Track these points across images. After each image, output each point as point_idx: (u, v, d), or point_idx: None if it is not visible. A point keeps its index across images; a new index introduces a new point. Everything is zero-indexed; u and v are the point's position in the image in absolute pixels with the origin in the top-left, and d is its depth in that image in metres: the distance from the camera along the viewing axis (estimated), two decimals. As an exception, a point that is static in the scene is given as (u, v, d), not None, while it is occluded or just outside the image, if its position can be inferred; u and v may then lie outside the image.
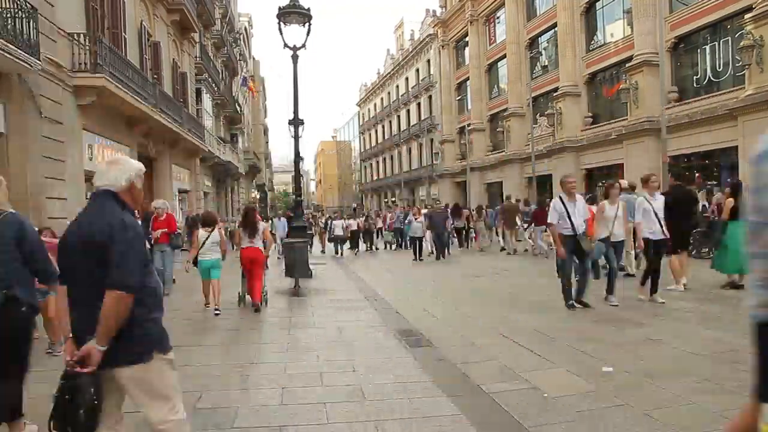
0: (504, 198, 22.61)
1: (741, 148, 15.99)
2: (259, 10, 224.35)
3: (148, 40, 16.43)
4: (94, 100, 11.49)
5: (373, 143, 61.17)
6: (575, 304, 7.18)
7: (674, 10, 19.73)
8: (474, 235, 19.25)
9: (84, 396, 2.12)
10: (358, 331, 6.28)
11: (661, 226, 7.33)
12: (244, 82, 38.80)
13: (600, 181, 23.72)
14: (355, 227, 19.92)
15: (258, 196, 48.76)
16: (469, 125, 35.40)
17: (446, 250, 16.03)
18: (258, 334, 6.37)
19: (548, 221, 7.55)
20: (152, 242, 8.72)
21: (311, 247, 17.29)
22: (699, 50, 19.10)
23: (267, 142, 61.72)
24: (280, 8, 9.66)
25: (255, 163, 43.37)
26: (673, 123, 17.73)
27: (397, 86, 51.84)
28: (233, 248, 12.18)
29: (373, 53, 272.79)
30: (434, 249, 15.58)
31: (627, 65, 21.15)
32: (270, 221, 18.67)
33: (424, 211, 17.62)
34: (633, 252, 9.76)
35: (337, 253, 18.35)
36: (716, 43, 18.37)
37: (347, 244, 19.39)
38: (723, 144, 17.19)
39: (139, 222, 2.83)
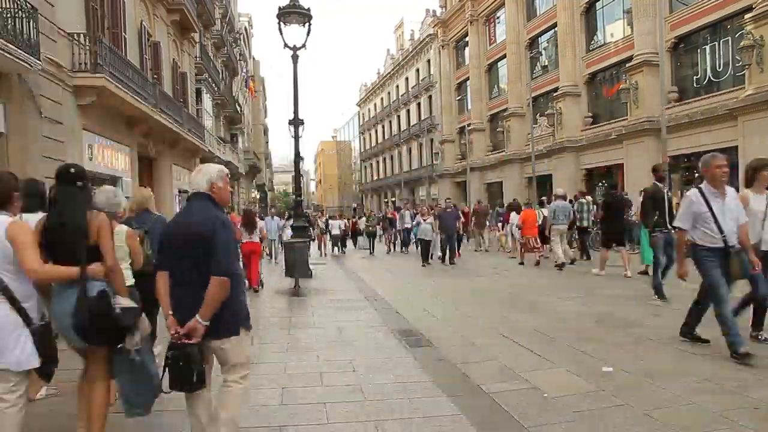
0: (478, 202, 22.82)
1: (741, 148, 15.98)
2: (259, 10, 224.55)
3: (148, 40, 16.43)
4: (94, 100, 11.48)
5: (373, 143, 61.17)
6: (690, 337, 5.14)
7: (674, 10, 19.73)
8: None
9: (195, 362, 2.66)
10: (358, 331, 6.28)
11: None
12: (247, 84, 38.81)
13: (600, 181, 23.77)
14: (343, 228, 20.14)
15: (258, 196, 48.76)
16: (469, 125, 35.40)
17: (456, 253, 14.78)
18: (258, 334, 6.38)
19: (675, 224, 5.16)
20: None
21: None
22: (699, 50, 19.09)
23: (267, 142, 61.73)
24: (280, 8, 9.65)
25: (255, 163, 43.37)
26: (673, 123, 17.73)
27: (397, 86, 51.85)
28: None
29: (373, 53, 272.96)
30: (442, 252, 14.29)
31: (627, 65, 21.15)
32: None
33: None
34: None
35: (335, 251, 19.73)
36: (716, 43, 18.36)
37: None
38: (723, 144, 17.15)
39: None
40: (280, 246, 16.39)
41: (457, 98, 38.94)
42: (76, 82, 11.14)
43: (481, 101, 35.04)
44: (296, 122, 10.10)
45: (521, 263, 13.24)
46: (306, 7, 9.68)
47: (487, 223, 19.30)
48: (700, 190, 4.70)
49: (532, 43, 29.64)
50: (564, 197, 12.52)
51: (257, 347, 5.54)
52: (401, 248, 19.83)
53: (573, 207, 12.90)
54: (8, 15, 8.33)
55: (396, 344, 5.57)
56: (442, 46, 40.11)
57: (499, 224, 18.70)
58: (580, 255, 13.14)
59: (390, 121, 54.31)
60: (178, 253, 2.75)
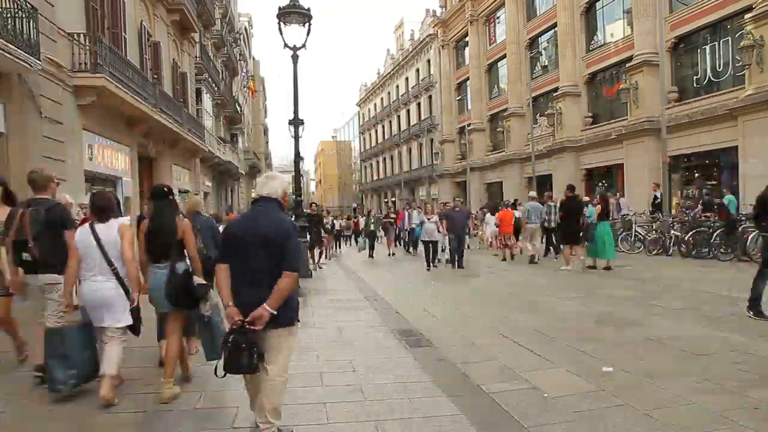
0: (461, 202, 22.62)
1: (741, 148, 15.99)
2: (259, 10, 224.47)
3: (148, 40, 16.43)
4: (94, 100, 11.48)
5: (373, 143, 61.17)
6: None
7: (674, 10, 19.73)
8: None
9: (257, 346, 2.98)
10: (358, 331, 6.28)
11: None
12: (247, 84, 38.80)
13: (600, 182, 23.76)
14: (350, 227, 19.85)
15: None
16: (469, 125, 35.40)
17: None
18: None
19: None
20: None
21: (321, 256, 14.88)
22: (699, 50, 19.09)
23: (267, 142, 61.70)
24: (280, 8, 9.65)
25: (255, 163, 43.36)
26: (673, 123, 17.73)
27: (397, 86, 51.84)
28: None
29: (373, 53, 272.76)
30: (451, 255, 13.04)
31: (627, 65, 21.14)
32: None
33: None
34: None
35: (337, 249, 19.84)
36: (716, 43, 18.36)
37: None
38: (723, 144, 17.19)
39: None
40: None
41: (457, 98, 38.94)
42: (76, 82, 11.15)
43: (481, 101, 35.04)
44: (296, 122, 10.11)
45: (503, 260, 13.78)
46: (306, 7, 9.68)
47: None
48: None
49: (532, 43, 29.64)
50: (537, 198, 14.00)
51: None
52: (407, 249, 18.44)
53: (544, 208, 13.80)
54: (8, 15, 8.33)
55: (396, 344, 5.56)
56: (442, 46, 40.11)
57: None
58: (552, 252, 14.33)
59: (390, 121, 54.30)
60: (245, 250, 3.07)
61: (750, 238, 11.18)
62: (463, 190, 35.33)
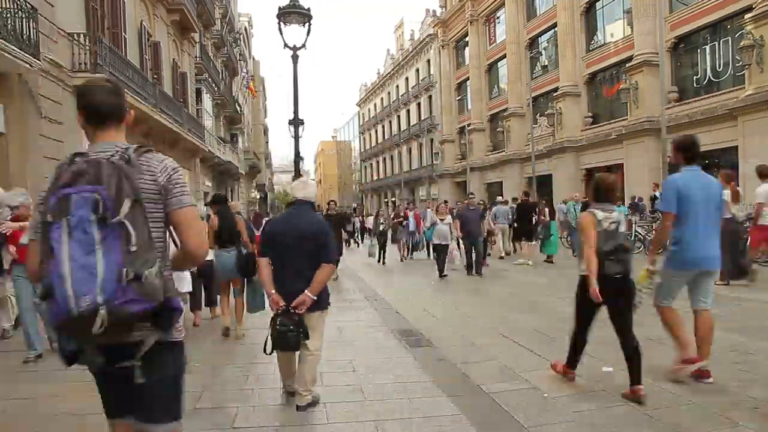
0: (444, 202, 22.49)
1: (741, 148, 15.99)
2: (259, 10, 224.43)
3: (148, 40, 16.43)
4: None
5: (373, 143, 61.16)
6: None
7: (674, 10, 19.73)
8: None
9: (303, 327, 3.51)
10: (358, 331, 6.28)
11: None
12: (247, 84, 38.77)
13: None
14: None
15: (258, 196, 48.75)
16: (469, 125, 35.40)
17: (483, 261, 11.87)
18: (257, 334, 6.37)
19: None
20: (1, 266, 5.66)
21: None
22: (699, 50, 19.10)
23: (267, 142, 61.69)
24: (280, 8, 9.63)
25: (255, 163, 43.36)
26: (673, 123, 17.73)
27: (397, 86, 51.83)
28: None
29: (373, 53, 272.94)
30: (467, 260, 11.45)
31: (627, 65, 21.15)
32: None
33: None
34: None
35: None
36: (716, 43, 18.37)
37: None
38: (723, 144, 17.18)
39: None
40: None
41: (457, 98, 38.94)
42: (76, 82, 11.14)
43: (481, 101, 35.04)
44: (296, 122, 10.09)
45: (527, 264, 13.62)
46: (306, 7, 9.66)
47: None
48: None
49: (532, 43, 29.64)
50: (505, 202, 15.57)
51: (257, 347, 5.54)
52: (410, 254, 16.18)
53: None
54: (8, 15, 8.33)
55: (396, 344, 5.56)
56: (442, 46, 40.10)
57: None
58: (514, 249, 15.29)
59: (390, 121, 54.29)
60: (287, 246, 3.60)
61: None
62: (463, 190, 35.31)
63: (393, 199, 52.30)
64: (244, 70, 41.40)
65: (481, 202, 15.56)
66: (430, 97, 43.55)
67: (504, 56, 31.95)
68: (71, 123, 11.08)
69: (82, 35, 11.42)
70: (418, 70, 46.44)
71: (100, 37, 11.66)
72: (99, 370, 1.88)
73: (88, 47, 11.41)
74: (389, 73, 53.76)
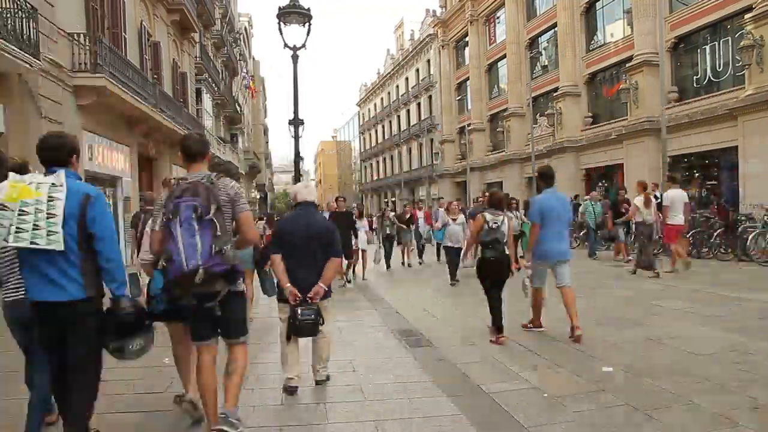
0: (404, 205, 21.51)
1: (741, 148, 15.98)
2: (259, 10, 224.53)
3: (148, 40, 16.43)
4: (94, 100, 11.49)
5: (373, 143, 61.15)
6: None
7: (674, 10, 19.72)
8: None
9: (320, 314, 3.91)
10: (358, 331, 6.28)
11: None
12: (247, 84, 38.76)
13: (600, 182, 23.76)
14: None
15: (258, 197, 48.75)
16: (469, 125, 35.39)
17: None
18: (258, 334, 6.37)
19: None
20: None
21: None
22: (699, 50, 19.08)
23: (267, 142, 61.69)
24: (280, 8, 9.63)
25: (255, 163, 43.36)
26: (673, 123, 17.72)
27: (397, 86, 51.82)
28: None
29: (373, 53, 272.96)
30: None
31: (627, 65, 21.13)
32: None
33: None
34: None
35: None
36: (716, 43, 18.35)
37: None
38: (723, 144, 17.18)
39: None
40: None
41: (457, 98, 38.93)
42: (76, 82, 11.15)
43: (481, 101, 35.03)
44: (296, 122, 10.08)
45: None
46: (306, 7, 9.66)
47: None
48: None
49: (532, 43, 29.63)
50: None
51: (257, 347, 5.55)
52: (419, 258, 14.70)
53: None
54: (8, 15, 8.33)
55: (396, 344, 5.57)
56: (442, 46, 40.09)
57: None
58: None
59: (390, 121, 54.28)
60: (298, 243, 4.02)
61: (750, 238, 11.18)
62: (463, 190, 35.32)
63: (393, 199, 52.29)
64: (244, 70, 41.40)
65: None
66: (430, 97, 43.54)
67: (504, 56, 31.93)
68: (71, 123, 11.09)
69: (82, 35, 11.42)
70: (418, 70, 46.44)
71: (100, 37, 11.66)
72: (192, 310, 2.98)
73: (88, 47, 11.40)
74: (389, 73, 53.75)
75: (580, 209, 14.74)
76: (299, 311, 3.86)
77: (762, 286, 8.38)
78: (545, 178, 6.04)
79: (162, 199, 3.02)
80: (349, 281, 9.70)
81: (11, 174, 2.72)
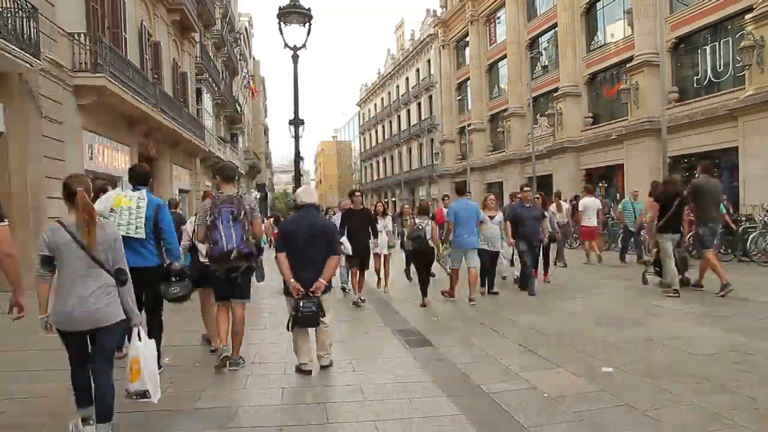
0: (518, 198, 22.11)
1: (741, 148, 15.99)
2: (259, 10, 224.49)
3: (149, 39, 16.43)
4: (94, 99, 11.49)
5: (373, 143, 61.15)
6: None
7: (674, 11, 19.72)
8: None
9: (321, 307, 4.36)
10: (358, 331, 6.28)
11: None
12: (247, 83, 38.73)
13: (600, 182, 23.76)
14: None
15: (258, 197, 48.75)
16: (469, 125, 35.40)
17: (546, 272, 9.82)
18: (258, 334, 6.37)
19: None
20: None
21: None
22: (699, 50, 19.09)
23: (267, 142, 61.67)
24: (280, 8, 9.63)
25: (255, 163, 43.36)
26: (674, 123, 17.72)
27: (398, 86, 51.84)
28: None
29: (373, 53, 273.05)
30: (522, 272, 8.91)
31: (627, 65, 21.14)
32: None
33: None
34: None
35: None
36: (717, 43, 18.36)
37: None
38: (723, 144, 17.18)
39: None
40: None
41: (458, 98, 38.94)
42: (76, 82, 11.14)
43: (482, 101, 35.04)
44: (296, 122, 10.08)
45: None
46: (306, 7, 9.66)
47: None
48: None
49: (533, 43, 29.64)
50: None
51: (257, 347, 5.55)
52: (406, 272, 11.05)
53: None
54: (8, 14, 8.33)
55: (396, 344, 5.56)
56: (443, 46, 40.10)
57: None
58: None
59: (390, 121, 54.29)
60: (300, 243, 4.43)
61: (750, 238, 11.18)
62: (463, 190, 35.28)
63: (393, 199, 52.28)
64: (245, 70, 41.40)
65: (539, 196, 10.88)
66: (430, 97, 43.55)
67: (504, 56, 31.94)
68: (71, 123, 11.09)
69: (82, 35, 11.42)
70: (418, 70, 46.45)
71: (101, 37, 11.65)
72: (222, 279, 4.49)
73: (88, 47, 11.40)
74: (389, 73, 53.76)
75: (619, 207, 13.37)
76: (301, 304, 4.29)
77: (762, 286, 8.38)
78: (458, 191, 8.69)
79: (206, 206, 4.48)
80: (363, 300, 7.96)
81: (110, 191, 4.83)
